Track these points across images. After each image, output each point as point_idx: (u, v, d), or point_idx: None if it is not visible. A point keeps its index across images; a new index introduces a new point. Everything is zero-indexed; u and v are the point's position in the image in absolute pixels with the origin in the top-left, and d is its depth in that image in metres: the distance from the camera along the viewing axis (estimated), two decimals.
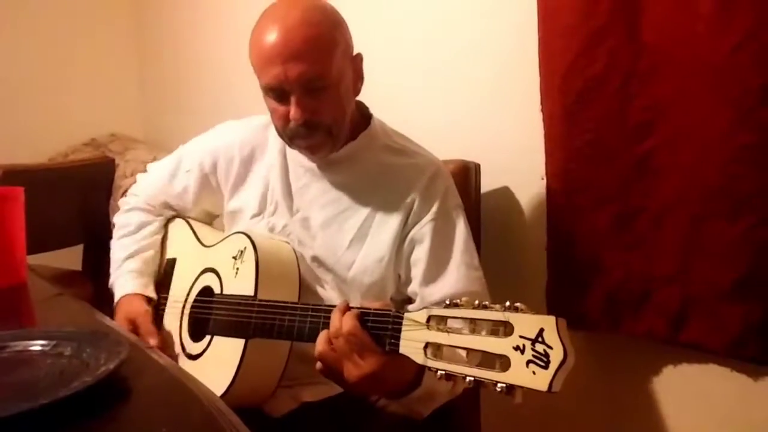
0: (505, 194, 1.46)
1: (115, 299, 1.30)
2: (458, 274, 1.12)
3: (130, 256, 1.34)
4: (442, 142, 1.34)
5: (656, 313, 1.21)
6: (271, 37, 1.06)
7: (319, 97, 1.08)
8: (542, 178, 1.35)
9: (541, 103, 1.31)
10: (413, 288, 1.14)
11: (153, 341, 1.17)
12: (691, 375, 1.22)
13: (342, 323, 0.91)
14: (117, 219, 1.43)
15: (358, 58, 1.17)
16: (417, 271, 1.14)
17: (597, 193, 1.25)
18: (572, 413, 1.42)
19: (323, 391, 1.15)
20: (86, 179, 2.54)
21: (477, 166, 1.42)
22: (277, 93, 1.09)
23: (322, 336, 0.94)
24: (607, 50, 1.20)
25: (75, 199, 2.48)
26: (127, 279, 1.31)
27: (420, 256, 1.13)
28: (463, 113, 1.54)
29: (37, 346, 0.84)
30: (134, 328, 1.21)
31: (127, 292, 1.29)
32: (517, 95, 1.41)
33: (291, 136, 1.12)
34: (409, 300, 1.16)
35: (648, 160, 1.19)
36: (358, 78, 1.17)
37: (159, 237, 1.40)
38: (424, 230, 1.14)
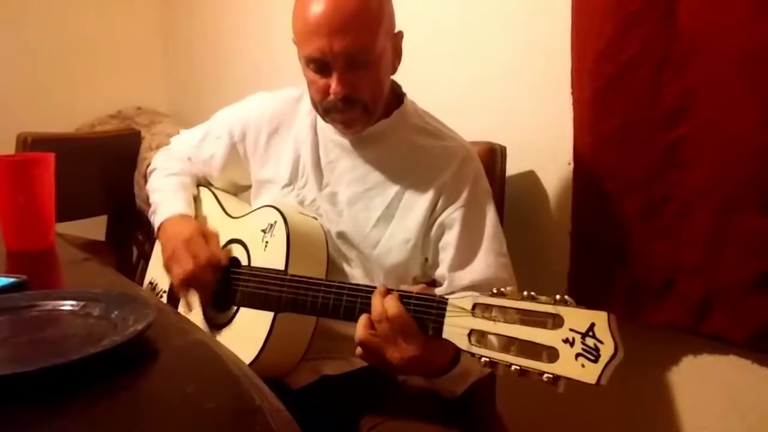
0: (530, 178, 1.45)
1: (158, 222, 1.26)
2: (487, 260, 1.13)
3: (177, 189, 1.31)
4: (469, 123, 1.33)
5: (678, 303, 1.20)
6: (318, 7, 1.04)
7: (360, 73, 1.07)
8: (569, 163, 1.34)
9: (572, 87, 1.30)
10: (441, 272, 1.14)
11: (224, 261, 1.16)
12: (711, 366, 1.21)
13: (386, 307, 0.91)
14: (154, 162, 1.40)
15: (399, 36, 1.16)
16: (445, 256, 1.13)
17: (624, 180, 1.24)
18: (588, 401, 1.41)
19: (343, 366, 1.17)
20: (112, 151, 2.57)
21: (503, 149, 1.41)
22: (318, 65, 1.08)
23: (363, 321, 0.94)
24: (641, 35, 1.18)
25: (100, 170, 2.51)
26: (175, 200, 1.27)
27: (449, 241, 1.13)
28: (490, 95, 1.53)
29: (66, 306, 0.86)
30: (192, 249, 1.15)
31: (176, 212, 1.24)
32: (546, 78, 1.39)
33: (327, 109, 1.12)
34: (434, 282, 1.16)
35: (678, 149, 1.17)
36: (397, 56, 1.16)
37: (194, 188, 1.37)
38: (454, 216, 1.14)
